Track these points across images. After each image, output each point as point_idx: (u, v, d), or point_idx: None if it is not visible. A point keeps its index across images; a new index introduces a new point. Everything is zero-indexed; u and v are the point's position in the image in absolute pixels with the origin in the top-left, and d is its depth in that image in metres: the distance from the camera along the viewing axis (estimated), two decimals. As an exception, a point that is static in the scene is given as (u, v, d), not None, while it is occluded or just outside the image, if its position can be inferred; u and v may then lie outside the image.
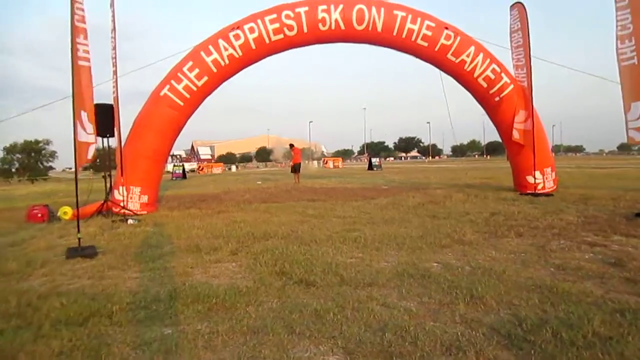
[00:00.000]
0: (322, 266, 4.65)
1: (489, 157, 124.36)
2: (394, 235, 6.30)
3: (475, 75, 10.86)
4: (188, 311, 3.56)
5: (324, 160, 47.89)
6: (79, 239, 6.22)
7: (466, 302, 3.52)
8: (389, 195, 12.03)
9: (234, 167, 61.72)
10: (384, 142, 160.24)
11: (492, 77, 10.92)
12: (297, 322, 3.23)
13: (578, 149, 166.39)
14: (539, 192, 10.99)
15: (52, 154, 63.34)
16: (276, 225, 7.63)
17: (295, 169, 19.62)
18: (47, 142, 61.09)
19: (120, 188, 9.84)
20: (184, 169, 30.75)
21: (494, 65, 10.92)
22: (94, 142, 7.04)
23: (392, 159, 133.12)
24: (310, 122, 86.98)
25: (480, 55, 10.79)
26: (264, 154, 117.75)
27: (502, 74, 11.00)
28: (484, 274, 4.25)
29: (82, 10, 7.06)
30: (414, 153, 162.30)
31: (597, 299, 3.56)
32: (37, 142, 59.08)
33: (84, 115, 6.67)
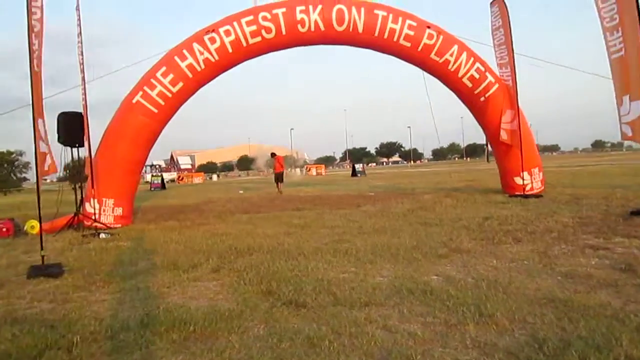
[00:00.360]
0: (312, 283, 4.23)
1: (468, 159, 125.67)
2: (387, 246, 5.92)
3: (460, 74, 10.61)
4: (161, 342, 3.10)
5: (307, 167, 47.49)
6: (43, 256, 5.69)
7: (476, 322, 3.14)
8: (376, 202, 11.68)
9: (215, 177, 60.87)
10: (366, 148, 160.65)
11: (477, 76, 10.69)
12: (287, 352, 2.81)
13: (554, 148, 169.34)
14: (528, 193, 10.76)
15: (26, 165, 62.05)
16: (261, 237, 7.20)
17: (278, 178, 18.89)
18: (21, 153, 59.57)
19: (92, 200, 9.30)
20: (162, 179, 30.02)
21: (478, 65, 10.69)
22: (48, 153, 6.51)
23: (374, 164, 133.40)
24: (292, 129, 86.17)
25: (464, 54, 10.56)
26: (245, 163, 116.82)
27: (487, 73, 10.78)
28: (489, 287, 3.88)
29: (39, 12, 6.55)
30: (396, 158, 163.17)
31: (617, 312, 3.21)
32: (9, 152, 57.68)
33: (40, 123, 6.16)
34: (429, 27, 10.35)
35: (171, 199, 19.00)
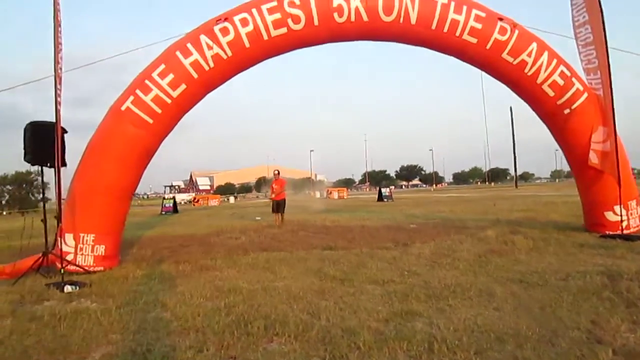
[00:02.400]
0: None
1: (492, 184, 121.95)
2: (487, 330, 3.60)
3: (539, 80, 8.30)
4: None
5: (328, 190, 45.01)
6: None
7: None
8: (425, 238, 9.32)
9: (232, 199, 58.90)
10: (386, 171, 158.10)
11: (561, 82, 8.36)
12: None
13: (527, 176, 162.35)
14: (630, 233, 8.31)
15: (44, 186, 62.33)
16: (284, 299, 4.95)
17: (278, 207, 14.75)
18: (39, 173, 59.92)
19: (67, 236, 7.18)
20: (174, 202, 27.93)
21: (562, 68, 8.38)
22: None
23: (393, 187, 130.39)
24: (312, 151, 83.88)
25: (545, 55, 8.26)
26: (263, 185, 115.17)
27: (574, 79, 8.45)
28: None
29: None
30: (415, 181, 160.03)
31: None
32: (28, 172, 58.31)
33: None
34: (501, 20, 8.11)
35: (180, 225, 16.86)
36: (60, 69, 6.95)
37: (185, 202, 60.90)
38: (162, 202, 28.14)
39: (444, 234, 9.88)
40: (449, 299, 4.72)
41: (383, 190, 31.03)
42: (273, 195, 15.25)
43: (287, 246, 9.36)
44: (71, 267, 7.03)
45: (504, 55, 8.17)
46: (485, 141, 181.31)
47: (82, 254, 7.28)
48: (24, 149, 7.19)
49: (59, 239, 7.21)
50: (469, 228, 10.63)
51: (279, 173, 15.81)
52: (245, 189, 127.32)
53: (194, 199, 44.64)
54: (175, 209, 27.55)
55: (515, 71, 8.31)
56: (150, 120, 7.40)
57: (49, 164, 7.19)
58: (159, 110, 7.40)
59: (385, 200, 29.54)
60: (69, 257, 7.11)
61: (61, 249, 6.95)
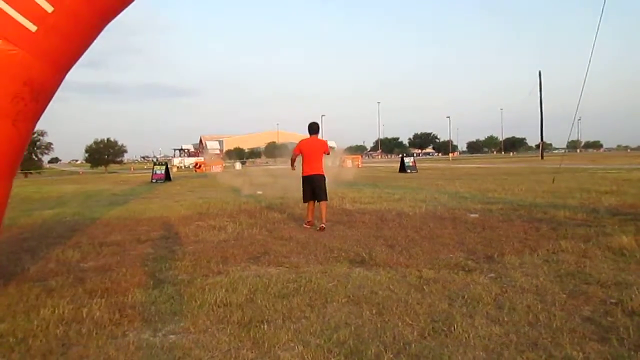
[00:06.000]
0: None
1: (512, 154, 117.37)
2: None
3: None
4: None
5: (342, 158, 41.19)
6: None
7: None
8: (514, 243, 5.78)
9: (238, 164, 55.20)
10: (398, 138, 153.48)
11: None
12: None
13: (596, 145, 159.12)
14: None
15: (48, 146, 60.82)
16: None
17: (314, 191, 7.83)
18: (42, 133, 58.25)
19: None
20: (167, 169, 24.43)
21: None
22: None
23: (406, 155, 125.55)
24: (323, 115, 79.30)
25: None
26: (273, 150, 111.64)
27: None
28: None
29: None
30: (428, 149, 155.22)
31: None
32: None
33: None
34: None
35: (161, 200, 13.48)
36: None
37: (184, 168, 57.64)
38: (153, 168, 24.66)
39: (536, 235, 6.34)
40: None
41: (406, 159, 27.13)
42: (301, 170, 8.02)
43: (290, 252, 5.90)
44: None
45: None
46: (501, 110, 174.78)
47: None
48: None
49: None
50: (565, 225, 7.04)
51: (317, 128, 8.04)
52: (255, 154, 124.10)
53: (196, 164, 41.18)
54: (168, 176, 24.14)
55: None
56: (33, 28, 3.84)
57: None
58: (48, 9, 3.84)
59: (409, 171, 25.81)
60: None
61: None
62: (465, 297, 3.86)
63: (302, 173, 7.96)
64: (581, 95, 10.51)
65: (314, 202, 7.93)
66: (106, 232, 8.02)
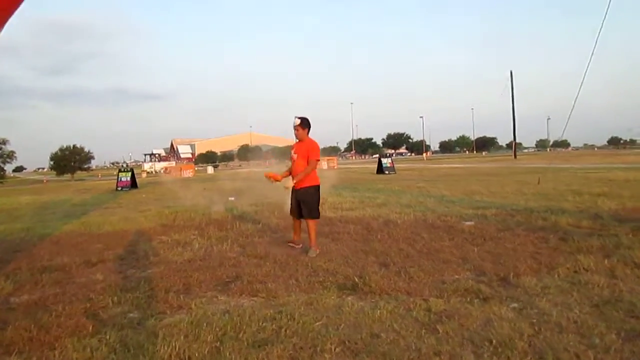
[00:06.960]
0: None
1: (484, 153, 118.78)
2: None
3: None
4: None
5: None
6: None
7: None
8: (525, 259, 5.01)
9: (210, 169, 53.61)
10: (372, 139, 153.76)
11: None
12: None
13: (564, 144, 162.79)
14: None
15: (10, 155, 58.54)
16: None
17: (302, 206, 6.23)
18: (4, 142, 56.01)
19: None
20: (133, 175, 23.04)
21: None
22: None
23: (377, 156, 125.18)
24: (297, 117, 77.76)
25: None
26: (246, 153, 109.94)
27: None
28: None
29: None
30: (401, 150, 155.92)
31: None
32: None
33: None
34: None
35: (123, 211, 12.32)
36: None
37: (155, 173, 55.72)
38: (118, 175, 23.20)
39: (547, 248, 5.60)
40: None
41: (384, 160, 26.39)
42: (289, 181, 6.39)
43: (266, 275, 4.98)
44: None
45: None
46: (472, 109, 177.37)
47: None
48: None
49: None
50: (574, 234, 6.32)
51: (301, 124, 6.46)
52: (227, 157, 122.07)
53: (165, 169, 39.65)
54: (134, 183, 22.77)
55: None
56: None
57: None
58: None
59: (387, 172, 25.09)
60: None
61: None
62: (493, 341, 3.02)
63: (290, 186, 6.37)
64: (578, 94, 10.12)
65: (300, 219, 6.42)
66: (53, 252, 6.93)
